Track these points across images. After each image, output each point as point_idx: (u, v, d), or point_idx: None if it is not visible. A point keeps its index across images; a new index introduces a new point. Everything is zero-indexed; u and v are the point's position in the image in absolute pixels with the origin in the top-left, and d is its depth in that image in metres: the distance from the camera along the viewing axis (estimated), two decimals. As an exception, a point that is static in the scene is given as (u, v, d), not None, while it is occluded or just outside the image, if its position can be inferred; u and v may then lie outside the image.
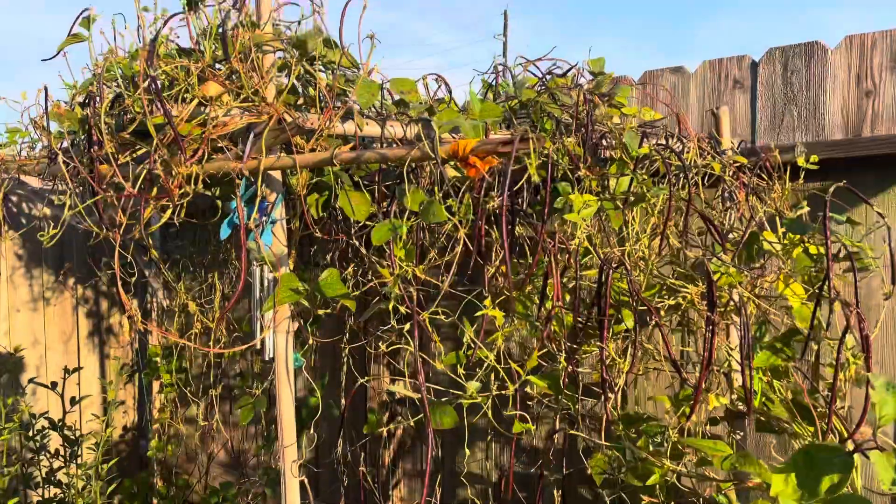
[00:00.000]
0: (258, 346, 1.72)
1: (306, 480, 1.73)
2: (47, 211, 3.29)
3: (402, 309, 1.40)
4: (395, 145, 1.56)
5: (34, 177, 2.71)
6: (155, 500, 3.72)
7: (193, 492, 3.69)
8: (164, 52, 1.67)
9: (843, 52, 2.04)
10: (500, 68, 1.98)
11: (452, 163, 1.35)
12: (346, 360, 2.76)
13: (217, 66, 1.66)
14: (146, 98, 1.48)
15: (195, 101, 1.52)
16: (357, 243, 2.10)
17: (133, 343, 3.87)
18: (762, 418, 1.75)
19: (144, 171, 1.49)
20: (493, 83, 2.02)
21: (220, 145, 1.72)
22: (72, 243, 3.51)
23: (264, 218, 1.69)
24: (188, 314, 3.35)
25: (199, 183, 1.58)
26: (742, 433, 1.91)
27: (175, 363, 3.68)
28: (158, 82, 1.51)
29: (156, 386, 3.80)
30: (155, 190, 1.62)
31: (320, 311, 1.71)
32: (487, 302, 1.51)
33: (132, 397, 3.96)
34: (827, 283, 1.53)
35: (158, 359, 3.70)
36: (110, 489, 3.13)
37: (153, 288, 3.55)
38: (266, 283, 1.74)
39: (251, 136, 1.62)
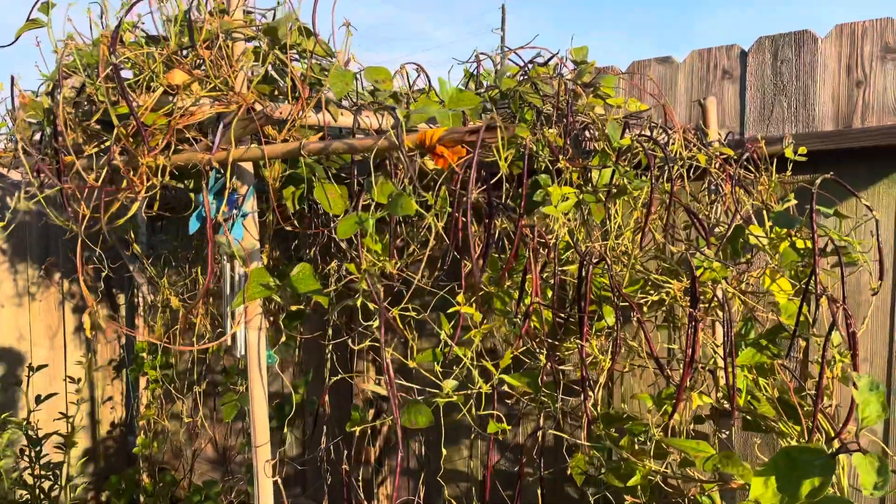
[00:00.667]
0: (229, 343, 1.67)
1: (293, 476, 1.68)
2: (30, 205, 3.24)
3: (371, 306, 1.35)
4: (371, 136, 1.51)
5: (14, 170, 2.66)
6: (141, 497, 3.68)
7: (179, 488, 3.65)
8: (130, 39, 1.61)
9: (833, 40, 1.99)
10: (482, 57, 1.93)
11: (427, 155, 1.30)
12: (329, 356, 2.72)
13: (186, 53, 1.60)
14: (109, 86, 1.43)
15: (160, 90, 1.47)
16: (337, 237, 2.05)
17: (120, 338, 3.83)
18: (748, 417, 1.71)
19: (106, 163, 1.44)
20: (475, 73, 1.97)
21: (189, 136, 1.67)
22: (57, 238, 3.46)
23: (235, 211, 1.64)
24: (173, 310, 3.30)
25: (166, 175, 1.53)
26: (728, 432, 1.86)
27: (161, 359, 3.64)
28: (122, 70, 1.46)
29: (142, 382, 3.76)
30: (123, 182, 1.57)
31: (297, 307, 1.66)
32: (460, 298, 1.46)
33: (120, 393, 3.92)
34: (814, 278, 1.49)
35: (144, 354, 3.66)
36: (80, 487, 3.09)
37: (138, 283, 3.50)
38: (238, 279, 1.70)
39: (220, 126, 1.57)
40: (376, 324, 1.31)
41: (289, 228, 1.73)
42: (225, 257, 1.66)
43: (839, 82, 1.98)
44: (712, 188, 1.93)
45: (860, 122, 1.95)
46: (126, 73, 1.58)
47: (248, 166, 1.68)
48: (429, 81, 1.93)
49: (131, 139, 1.47)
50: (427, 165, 1.91)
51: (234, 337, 1.70)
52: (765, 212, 1.77)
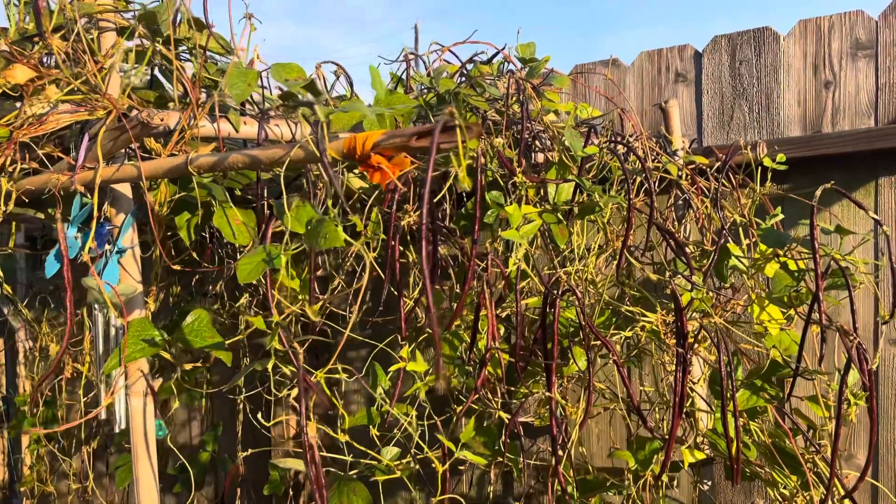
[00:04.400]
0: (102, 416, 1.31)
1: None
2: None
3: (287, 370, 1.03)
4: (281, 144, 1.19)
5: None
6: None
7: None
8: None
9: (796, 38, 1.81)
10: (412, 57, 1.64)
11: (357, 170, 1.00)
12: (241, 406, 2.35)
13: (36, 44, 1.25)
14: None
15: (-2, 92, 1.11)
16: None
17: (-1, 389, 3.31)
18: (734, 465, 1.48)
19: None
20: (404, 76, 1.68)
21: (49, 152, 1.31)
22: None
23: (108, 247, 1.28)
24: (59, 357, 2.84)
25: (10, 203, 1.17)
26: (710, 482, 1.63)
27: (46, 412, 3.15)
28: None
29: (25, 440, 3.25)
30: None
31: (193, 365, 1.32)
32: (405, 352, 1.17)
33: (2, 452, 3.40)
34: (817, 305, 1.26)
35: (27, 408, 3.16)
36: None
37: (14, 328, 3.02)
38: (115, 332, 1.33)
39: (85, 138, 1.22)
40: (294, 393, 0.99)
41: (177, 267, 1.38)
42: (97, 306, 1.30)
43: (805, 83, 1.80)
44: (679, 203, 1.70)
45: (830, 126, 1.77)
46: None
47: (126, 189, 1.33)
48: (350, 86, 1.63)
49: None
50: (353, 183, 1.60)
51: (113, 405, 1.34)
52: (741, 229, 1.55)
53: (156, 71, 1.54)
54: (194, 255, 1.65)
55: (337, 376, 1.06)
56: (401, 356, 1.16)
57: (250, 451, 1.47)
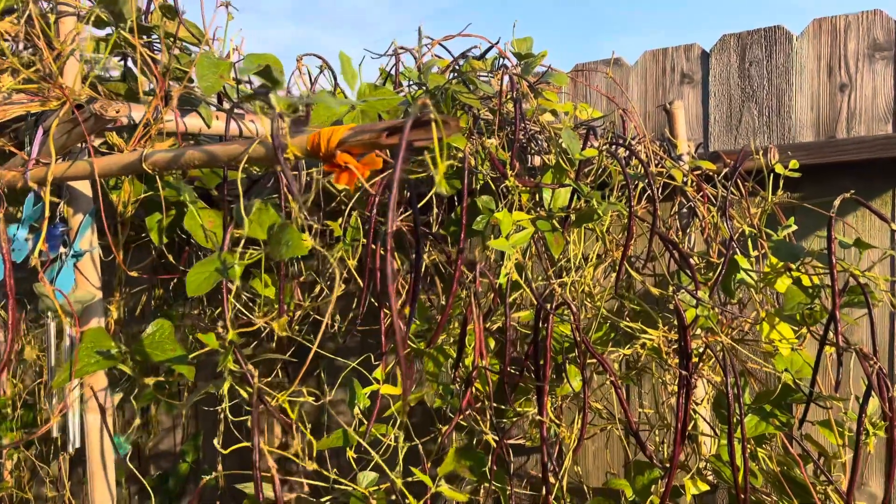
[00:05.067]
0: (55, 434, 1.20)
1: None
2: None
3: (243, 392, 0.93)
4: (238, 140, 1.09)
5: None
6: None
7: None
8: None
9: (810, 38, 1.71)
10: (401, 51, 1.54)
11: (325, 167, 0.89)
12: (221, 416, 2.25)
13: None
14: None
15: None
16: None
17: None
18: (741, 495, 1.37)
19: None
20: (393, 71, 1.58)
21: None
22: None
23: (64, 250, 1.18)
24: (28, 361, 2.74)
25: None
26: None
27: (26, 415, 3.05)
28: None
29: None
30: None
31: (156, 379, 1.22)
32: (378, 373, 1.06)
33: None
34: (834, 324, 1.16)
35: (9, 410, 3.06)
36: None
37: (-9, 328, 2.91)
38: (70, 342, 1.23)
39: (38, 132, 1.12)
40: (250, 421, 0.88)
41: (134, 274, 1.28)
42: (48, 315, 1.19)
43: (819, 86, 1.70)
44: (683, 211, 1.60)
45: (845, 131, 1.67)
46: None
47: (85, 188, 1.23)
48: (334, 80, 1.53)
49: None
50: (339, 185, 1.50)
51: (66, 421, 1.23)
52: (750, 240, 1.44)
53: (130, 62, 1.45)
54: (170, 258, 1.55)
55: (302, 399, 0.96)
56: (374, 377, 1.06)
57: (224, 473, 1.37)
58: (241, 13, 1.36)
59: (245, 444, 0.94)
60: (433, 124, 0.66)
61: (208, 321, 2.10)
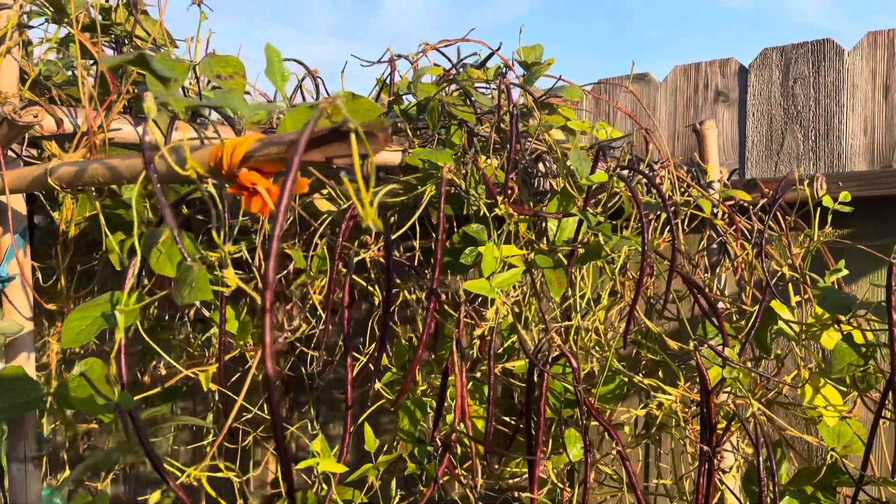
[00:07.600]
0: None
1: None
2: None
3: (174, 465, 0.75)
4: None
5: None
6: None
7: None
8: None
9: (863, 53, 1.50)
10: (396, 58, 1.38)
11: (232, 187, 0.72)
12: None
13: None
14: None
15: None
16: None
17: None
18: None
19: None
20: (388, 81, 1.41)
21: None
22: None
23: (-13, 274, 1.03)
24: None
25: None
26: None
27: None
28: None
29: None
30: None
31: (87, 426, 1.05)
32: (315, 445, 0.88)
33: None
34: (893, 392, 0.95)
35: None
36: None
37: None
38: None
39: (-41, 139, 0.98)
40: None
41: (52, 307, 1.12)
42: (-38, 349, 1.04)
43: (874, 107, 1.49)
44: (713, 247, 1.40)
45: (905, 159, 1.45)
46: None
47: (19, 204, 1.08)
48: (316, 89, 1.37)
49: None
50: (321, 206, 1.34)
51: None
52: (791, 285, 1.23)
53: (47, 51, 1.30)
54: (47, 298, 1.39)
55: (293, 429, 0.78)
56: (314, 451, 0.88)
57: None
58: (280, 27, 1.21)
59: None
60: (352, 136, 0.48)
61: (196, 347, 1.95)
